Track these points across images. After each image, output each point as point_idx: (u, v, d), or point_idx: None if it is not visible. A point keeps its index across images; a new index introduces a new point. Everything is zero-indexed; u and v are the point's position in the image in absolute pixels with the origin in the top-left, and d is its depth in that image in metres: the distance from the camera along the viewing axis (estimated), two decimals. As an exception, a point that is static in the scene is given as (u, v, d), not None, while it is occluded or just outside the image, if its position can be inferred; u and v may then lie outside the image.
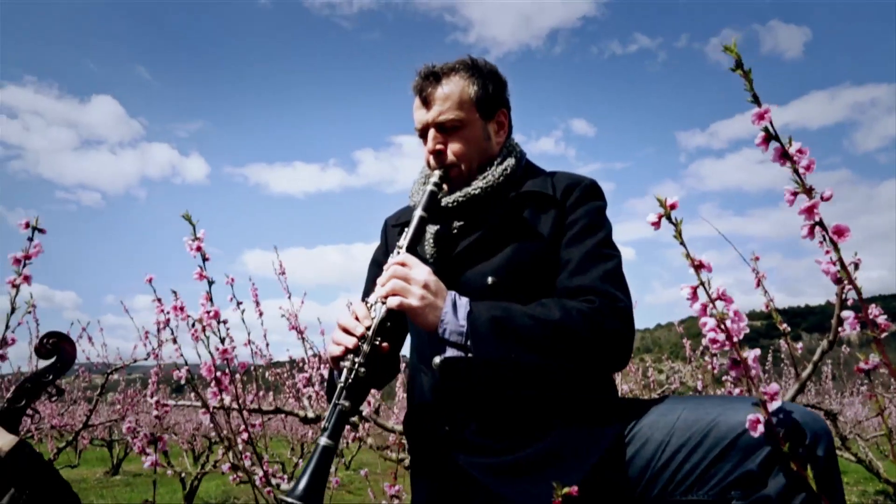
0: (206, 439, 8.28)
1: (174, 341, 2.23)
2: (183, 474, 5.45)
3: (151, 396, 3.16)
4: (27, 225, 1.35)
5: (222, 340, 1.46)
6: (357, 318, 1.14)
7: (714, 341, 0.80)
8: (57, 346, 1.68)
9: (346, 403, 1.07)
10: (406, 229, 1.25)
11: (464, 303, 1.11)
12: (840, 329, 1.83)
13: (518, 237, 1.23)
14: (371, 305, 1.16)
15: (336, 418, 1.06)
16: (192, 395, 2.82)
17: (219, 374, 1.45)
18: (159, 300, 2.02)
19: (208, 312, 1.43)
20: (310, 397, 3.56)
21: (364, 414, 2.90)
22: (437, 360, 1.19)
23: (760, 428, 0.81)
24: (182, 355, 2.33)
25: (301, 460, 7.57)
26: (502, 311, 1.09)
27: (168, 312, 1.98)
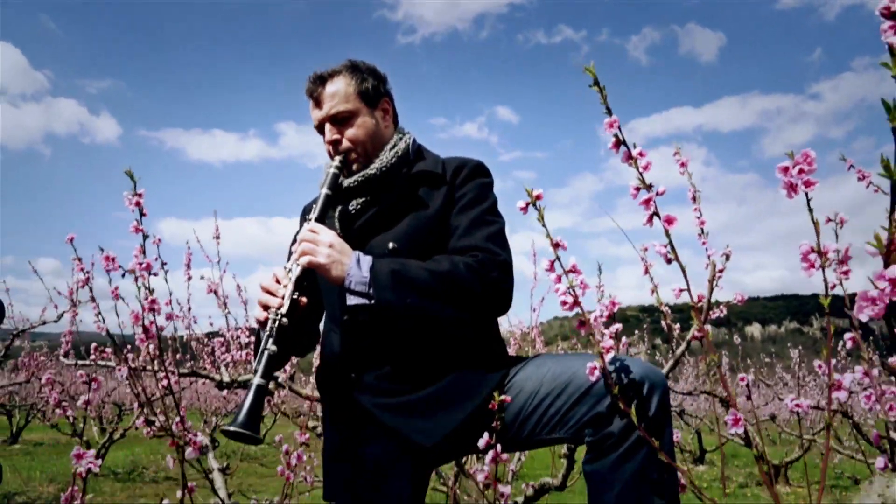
0: (116, 406, 8.13)
1: (93, 299, 2.28)
2: (89, 443, 5.38)
3: (65, 356, 3.15)
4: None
5: (150, 292, 1.57)
6: (277, 281, 1.31)
7: (564, 303, 1.01)
8: None
9: (273, 348, 1.24)
10: (314, 206, 1.42)
11: (367, 259, 1.29)
12: (711, 312, 2.10)
13: (413, 210, 1.41)
14: (288, 268, 1.32)
15: (266, 361, 1.23)
16: (114, 357, 2.85)
17: (146, 322, 1.56)
18: (79, 259, 2.07)
19: (140, 264, 1.53)
20: (226, 364, 3.64)
21: (280, 380, 3.03)
22: (345, 317, 1.36)
23: (597, 374, 1.03)
24: (100, 314, 2.37)
25: (213, 433, 7.57)
26: (400, 264, 1.28)
27: (88, 272, 2.03)
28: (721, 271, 2.15)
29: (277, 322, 1.26)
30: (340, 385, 1.39)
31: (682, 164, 1.79)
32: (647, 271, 2.60)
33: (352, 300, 1.27)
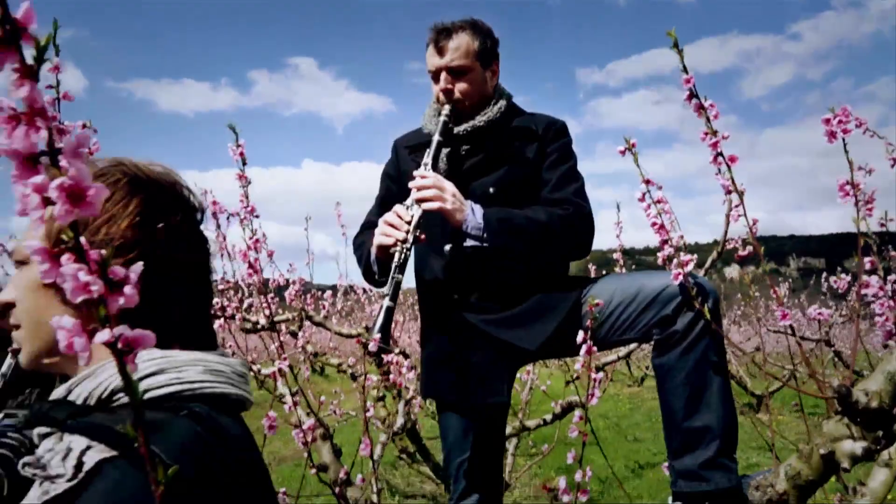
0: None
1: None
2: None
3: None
4: None
5: (254, 233, 1.80)
6: (399, 217, 1.54)
7: (654, 224, 1.27)
8: None
9: (400, 276, 1.48)
10: (427, 150, 1.63)
11: (478, 207, 1.54)
12: (727, 242, 2.38)
13: (510, 160, 1.66)
14: (408, 206, 1.55)
15: (394, 286, 1.48)
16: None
17: (252, 259, 1.80)
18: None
19: (245, 207, 1.76)
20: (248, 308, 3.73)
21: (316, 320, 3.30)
22: (447, 247, 1.63)
23: (680, 278, 1.30)
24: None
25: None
26: (506, 213, 1.53)
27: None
28: (737, 206, 2.42)
29: (403, 254, 1.50)
30: (444, 304, 1.66)
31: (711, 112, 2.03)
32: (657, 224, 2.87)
33: (468, 242, 1.54)
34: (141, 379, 0.60)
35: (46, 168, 0.37)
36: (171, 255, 0.68)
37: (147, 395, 0.60)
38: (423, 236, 1.54)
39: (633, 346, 2.80)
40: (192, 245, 0.71)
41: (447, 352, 1.66)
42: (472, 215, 1.52)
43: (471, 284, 1.62)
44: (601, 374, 1.48)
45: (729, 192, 1.32)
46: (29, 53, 0.35)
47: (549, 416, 2.94)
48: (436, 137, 1.62)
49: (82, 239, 0.38)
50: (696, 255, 1.61)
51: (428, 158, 1.61)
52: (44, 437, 0.59)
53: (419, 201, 1.52)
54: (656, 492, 5.04)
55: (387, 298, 1.46)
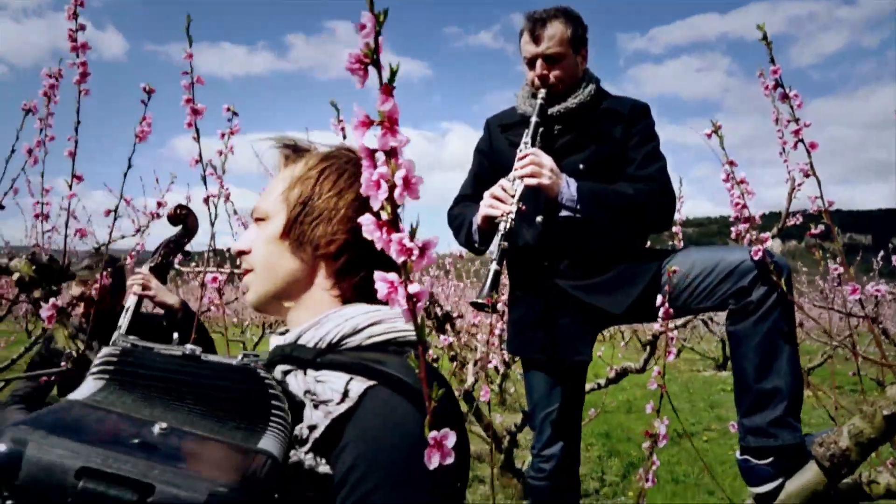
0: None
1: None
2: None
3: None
4: None
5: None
6: (504, 190, 1.69)
7: (736, 205, 1.40)
8: (184, 217, 2.09)
9: (506, 244, 1.63)
10: (526, 130, 1.78)
11: (572, 182, 1.68)
12: (787, 220, 2.47)
13: (599, 140, 1.79)
14: (512, 180, 1.70)
15: (501, 252, 1.63)
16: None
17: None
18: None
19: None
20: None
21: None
22: (539, 218, 1.77)
23: (759, 254, 1.43)
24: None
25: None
26: (597, 187, 1.68)
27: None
28: (800, 185, 2.51)
29: (508, 224, 1.66)
30: (535, 271, 1.82)
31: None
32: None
33: (562, 212, 1.68)
34: (368, 327, 0.74)
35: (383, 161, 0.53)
36: None
37: (370, 341, 0.73)
38: (524, 207, 1.69)
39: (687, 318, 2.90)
40: None
41: (537, 314, 1.82)
42: (567, 188, 1.66)
43: (561, 252, 1.77)
44: (675, 333, 1.63)
45: (808, 176, 1.44)
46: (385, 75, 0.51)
47: (602, 381, 3.09)
48: (534, 119, 1.77)
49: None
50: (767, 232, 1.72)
51: (527, 138, 1.75)
52: (286, 373, 0.74)
53: (522, 176, 1.66)
54: (694, 459, 5.19)
55: (494, 263, 1.61)
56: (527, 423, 3.16)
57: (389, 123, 0.51)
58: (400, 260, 0.53)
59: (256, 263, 0.83)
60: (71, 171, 1.52)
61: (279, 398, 0.68)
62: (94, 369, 0.67)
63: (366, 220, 0.54)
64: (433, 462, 0.52)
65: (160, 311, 2.11)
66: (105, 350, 0.69)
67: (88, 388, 0.65)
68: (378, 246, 0.54)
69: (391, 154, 0.53)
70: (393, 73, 0.51)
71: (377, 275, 0.54)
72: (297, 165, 0.85)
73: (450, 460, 0.51)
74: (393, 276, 0.54)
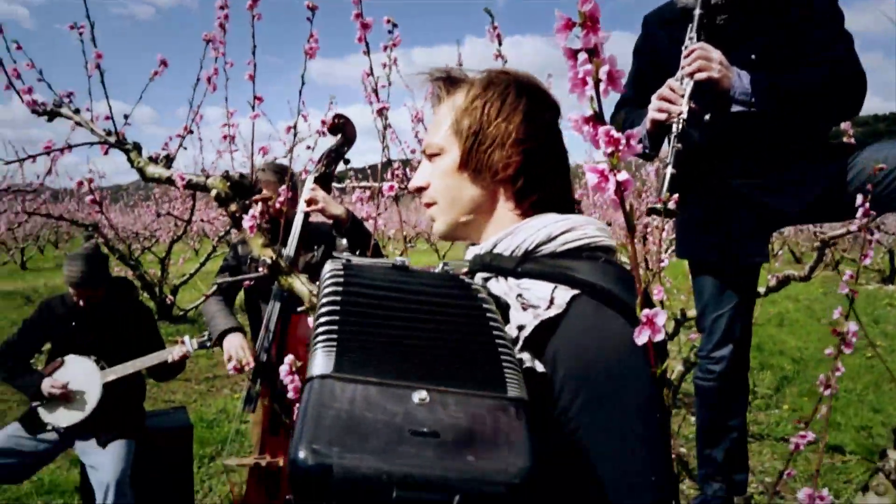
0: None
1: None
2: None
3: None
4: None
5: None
6: (673, 90, 1.60)
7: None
8: (343, 125, 2.18)
9: (679, 145, 1.56)
10: (690, 24, 1.65)
11: (744, 74, 1.56)
12: None
13: (771, 25, 1.64)
14: (680, 79, 1.61)
15: (675, 154, 1.55)
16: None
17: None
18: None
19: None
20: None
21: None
22: (707, 116, 1.64)
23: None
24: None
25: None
26: (774, 77, 1.55)
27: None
28: None
29: (681, 125, 1.57)
30: (704, 170, 1.73)
31: None
32: None
33: (735, 107, 1.57)
34: (561, 234, 0.77)
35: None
36: (549, 143, 0.84)
37: (564, 248, 0.76)
38: (696, 107, 1.59)
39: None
40: (559, 136, 0.87)
41: (707, 215, 1.76)
42: (739, 81, 1.55)
43: (733, 150, 1.69)
44: (876, 236, 1.51)
45: None
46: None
47: (762, 289, 2.96)
48: (697, 11, 1.64)
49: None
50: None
51: (692, 32, 1.64)
52: (486, 279, 0.79)
53: (690, 74, 1.57)
54: (857, 375, 4.91)
55: (670, 167, 1.55)
56: (678, 330, 3.12)
57: (591, 23, 0.52)
58: (608, 151, 0.56)
59: (439, 196, 0.87)
60: (252, 92, 1.65)
61: (494, 311, 0.69)
62: (325, 289, 0.68)
63: (575, 117, 0.57)
64: (642, 338, 0.56)
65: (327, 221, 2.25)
66: (329, 269, 0.72)
67: (327, 331, 0.61)
68: (584, 140, 0.57)
69: (593, 52, 0.55)
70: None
71: (587, 167, 0.58)
72: (457, 97, 0.86)
73: (660, 337, 0.55)
74: (603, 165, 0.57)
